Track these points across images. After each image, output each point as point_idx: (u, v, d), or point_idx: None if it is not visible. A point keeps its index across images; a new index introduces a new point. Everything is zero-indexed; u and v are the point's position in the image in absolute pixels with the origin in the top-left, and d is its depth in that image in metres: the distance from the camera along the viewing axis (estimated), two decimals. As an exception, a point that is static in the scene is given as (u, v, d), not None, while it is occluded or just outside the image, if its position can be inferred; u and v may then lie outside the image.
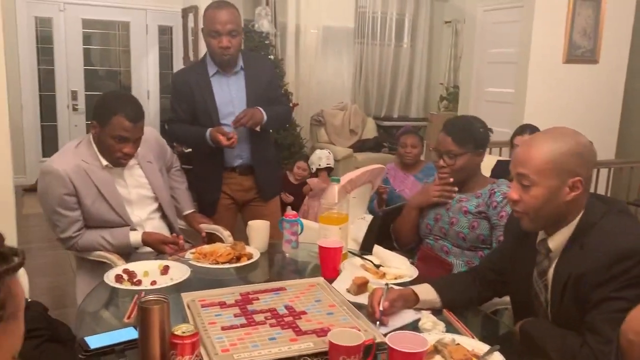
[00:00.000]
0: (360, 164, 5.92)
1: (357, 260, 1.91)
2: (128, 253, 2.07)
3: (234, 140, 2.36)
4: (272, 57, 5.74)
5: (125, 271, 1.74)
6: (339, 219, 1.93)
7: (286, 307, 1.48)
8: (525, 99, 4.51)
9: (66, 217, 1.99)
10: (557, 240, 1.41)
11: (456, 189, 2.01)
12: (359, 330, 1.32)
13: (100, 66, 6.31)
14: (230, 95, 2.50)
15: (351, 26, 7.01)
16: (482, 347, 1.35)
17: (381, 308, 1.44)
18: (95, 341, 1.30)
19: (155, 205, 2.20)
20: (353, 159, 6.76)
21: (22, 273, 1.84)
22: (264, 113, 2.47)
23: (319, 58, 6.87)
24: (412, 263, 1.94)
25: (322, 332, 1.33)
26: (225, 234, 2.29)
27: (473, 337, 1.41)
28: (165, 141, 2.42)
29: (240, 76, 2.53)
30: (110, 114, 1.96)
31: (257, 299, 1.53)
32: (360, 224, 2.41)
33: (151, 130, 2.26)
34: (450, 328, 1.47)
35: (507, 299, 1.68)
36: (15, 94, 5.45)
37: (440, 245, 2.02)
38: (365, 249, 2.12)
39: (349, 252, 2.01)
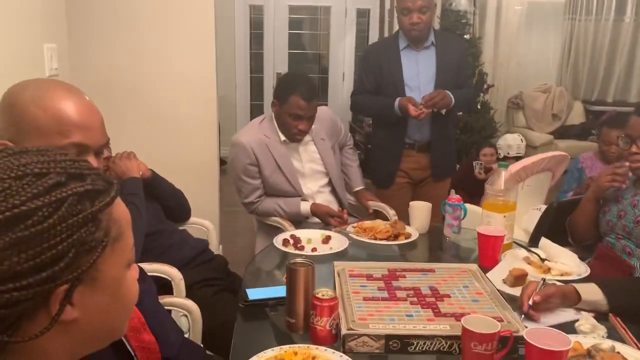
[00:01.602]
0: (561, 152, 5.43)
1: (521, 252, 1.81)
2: (299, 221, 2.26)
3: (422, 112, 2.42)
4: (468, 36, 5.55)
5: (292, 236, 1.91)
6: (504, 206, 1.84)
7: (430, 288, 1.48)
8: None
9: (249, 185, 2.26)
10: None
11: (629, 173, 1.75)
12: (502, 321, 1.27)
13: (302, 49, 6.78)
14: (417, 69, 2.57)
15: (562, 0, 6.40)
16: (648, 362, 1.19)
17: (530, 302, 1.36)
18: (254, 293, 1.47)
19: (325, 180, 2.35)
20: (553, 146, 6.22)
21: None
22: (452, 99, 2.51)
23: (521, 36, 6.44)
24: (587, 262, 1.78)
25: (461, 317, 1.29)
26: (390, 212, 2.34)
27: (639, 349, 1.26)
28: (349, 118, 2.58)
29: (430, 52, 2.59)
30: (288, 93, 2.15)
31: (404, 276, 1.56)
32: (534, 214, 2.25)
33: (326, 110, 2.42)
34: (614, 335, 1.32)
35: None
36: (231, 75, 6.18)
37: (622, 246, 1.79)
38: (534, 241, 1.98)
39: (514, 242, 1.91)
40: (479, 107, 5.52)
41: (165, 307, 1.50)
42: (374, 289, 1.47)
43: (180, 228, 2.09)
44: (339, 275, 1.56)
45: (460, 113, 3.72)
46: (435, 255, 2.03)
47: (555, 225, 2.06)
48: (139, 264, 1.40)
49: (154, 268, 1.71)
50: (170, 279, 1.72)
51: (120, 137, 2.06)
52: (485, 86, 5.79)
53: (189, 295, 1.72)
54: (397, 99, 2.51)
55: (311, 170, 2.32)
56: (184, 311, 1.61)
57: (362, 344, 1.24)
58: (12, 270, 0.57)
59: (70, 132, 0.98)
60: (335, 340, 1.26)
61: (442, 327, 1.28)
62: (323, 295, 1.26)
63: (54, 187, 0.60)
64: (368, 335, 1.24)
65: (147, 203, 1.86)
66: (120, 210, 0.68)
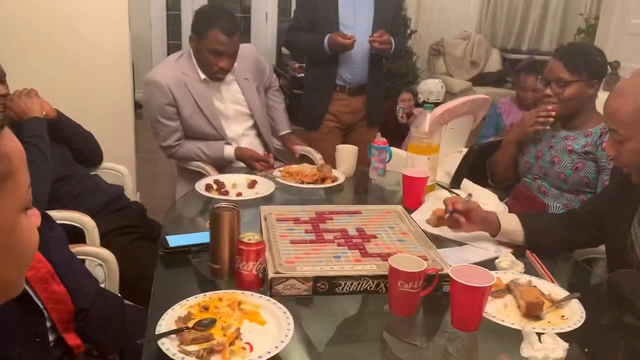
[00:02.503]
0: (477, 99, 5.59)
1: (444, 193, 1.84)
2: (223, 166, 2.17)
3: (353, 39, 2.42)
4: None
5: (215, 181, 1.83)
6: (428, 148, 1.86)
7: (357, 229, 1.47)
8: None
9: (166, 127, 2.12)
10: None
11: (552, 115, 1.81)
12: (427, 260, 1.28)
13: (224, -13, 6.43)
14: (353, 8, 2.53)
15: (484, -54, 6.45)
16: (560, 293, 1.26)
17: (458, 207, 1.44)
18: (175, 240, 1.40)
19: (250, 122, 2.26)
20: (471, 92, 6.39)
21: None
22: (393, 46, 2.52)
23: (445, -18, 6.46)
24: (505, 202, 1.84)
25: (387, 257, 1.29)
26: (317, 156, 2.31)
27: (554, 282, 1.32)
28: (273, 61, 2.50)
29: None
30: (207, 27, 2.02)
31: (331, 218, 1.54)
32: (456, 157, 2.31)
33: (250, 48, 2.30)
34: (530, 271, 1.39)
35: (603, 248, 1.54)
36: (145, 14, 5.78)
37: (538, 185, 1.87)
38: (456, 182, 2.03)
39: (437, 184, 1.94)
40: (402, 53, 5.54)
41: (78, 257, 1.40)
42: (302, 232, 1.44)
43: (92, 173, 1.94)
44: (265, 220, 1.51)
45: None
46: (360, 198, 2.03)
47: (475, 167, 2.11)
48: (47, 212, 1.28)
49: (64, 216, 1.58)
50: (82, 227, 1.60)
51: (20, 74, 1.85)
52: (408, 32, 5.79)
53: (104, 244, 1.62)
54: (327, 35, 2.45)
55: (235, 112, 2.22)
56: (99, 260, 1.51)
57: (290, 287, 1.21)
58: None
59: None
60: (262, 284, 1.23)
61: (369, 267, 1.27)
62: (249, 240, 1.21)
63: None
64: (296, 278, 1.21)
65: (53, 146, 1.70)
66: (10, 145, 0.58)
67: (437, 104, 4.39)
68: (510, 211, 1.72)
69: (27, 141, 1.59)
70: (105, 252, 1.51)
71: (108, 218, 1.75)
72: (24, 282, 0.65)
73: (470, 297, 1.11)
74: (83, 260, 1.48)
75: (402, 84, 5.41)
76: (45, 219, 1.22)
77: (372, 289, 1.24)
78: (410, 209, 1.69)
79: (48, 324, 1.09)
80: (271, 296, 1.17)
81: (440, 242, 1.50)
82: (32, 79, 1.95)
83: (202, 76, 2.11)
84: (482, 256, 1.43)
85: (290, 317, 1.08)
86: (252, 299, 1.15)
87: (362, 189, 2.05)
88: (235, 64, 2.14)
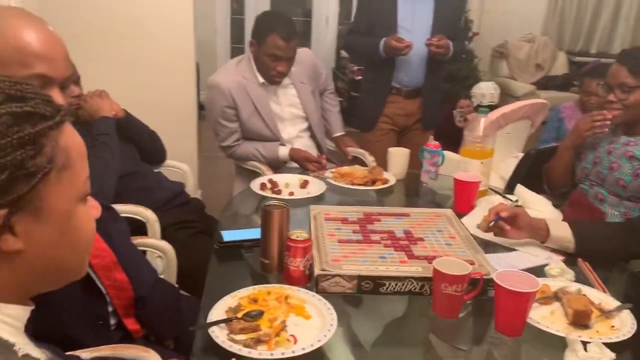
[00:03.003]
0: (542, 103, 5.42)
1: (497, 199, 1.82)
2: (278, 166, 2.24)
3: (408, 44, 2.41)
4: (454, -18, 5.42)
5: (269, 180, 1.89)
6: (482, 153, 1.84)
7: (405, 231, 1.49)
8: None
9: (226, 128, 2.22)
10: None
11: (609, 119, 1.75)
12: (473, 264, 1.28)
13: (286, -9, 6.56)
14: (413, 12, 2.52)
15: (551, -54, 6.25)
16: (612, 303, 1.23)
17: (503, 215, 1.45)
18: (229, 235, 1.46)
19: (305, 125, 2.32)
20: (535, 96, 6.20)
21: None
22: (451, 51, 2.50)
23: (509, -17, 6.31)
24: (561, 209, 1.80)
25: (433, 260, 1.32)
26: (369, 159, 2.33)
27: (605, 292, 1.29)
28: (332, 64, 2.53)
29: None
30: (266, 33, 2.09)
31: (379, 220, 1.56)
32: (512, 162, 2.27)
33: (307, 52, 2.35)
34: (582, 279, 1.36)
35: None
36: (210, 19, 5.97)
37: (595, 192, 1.81)
38: (511, 188, 2.00)
39: (490, 189, 1.92)
40: (463, 55, 5.46)
41: (140, 248, 1.49)
42: (349, 232, 1.47)
43: (156, 170, 2.06)
44: (314, 219, 1.56)
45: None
46: (411, 201, 2.04)
47: (531, 172, 2.07)
48: (112, 205, 1.38)
49: (128, 209, 1.69)
50: (144, 221, 1.70)
51: (93, 76, 1.99)
52: (470, 34, 5.70)
53: (164, 237, 1.72)
54: (383, 39, 2.46)
55: (290, 115, 2.29)
56: (159, 252, 1.61)
57: (335, 284, 1.25)
58: None
59: (32, 63, 0.93)
60: (309, 280, 1.27)
61: (415, 269, 1.29)
62: (297, 237, 1.26)
63: None
64: (341, 276, 1.25)
65: (121, 144, 1.82)
66: (71, 139, 0.65)
67: (491, 107, 4.30)
68: (565, 218, 1.68)
69: (96, 139, 1.72)
70: (165, 245, 1.60)
71: (169, 213, 1.85)
72: (86, 267, 0.72)
73: (513, 302, 1.11)
74: (144, 252, 1.58)
75: (462, 87, 5.32)
76: (110, 211, 1.32)
77: (416, 290, 1.26)
78: (461, 214, 1.68)
79: (110, 309, 1.18)
80: (317, 292, 1.22)
81: (490, 247, 1.49)
82: (104, 80, 2.08)
83: (261, 80, 2.19)
84: (531, 262, 1.42)
85: (334, 313, 1.12)
86: (299, 294, 1.19)
87: (413, 191, 2.05)
88: (293, 68, 2.20)
